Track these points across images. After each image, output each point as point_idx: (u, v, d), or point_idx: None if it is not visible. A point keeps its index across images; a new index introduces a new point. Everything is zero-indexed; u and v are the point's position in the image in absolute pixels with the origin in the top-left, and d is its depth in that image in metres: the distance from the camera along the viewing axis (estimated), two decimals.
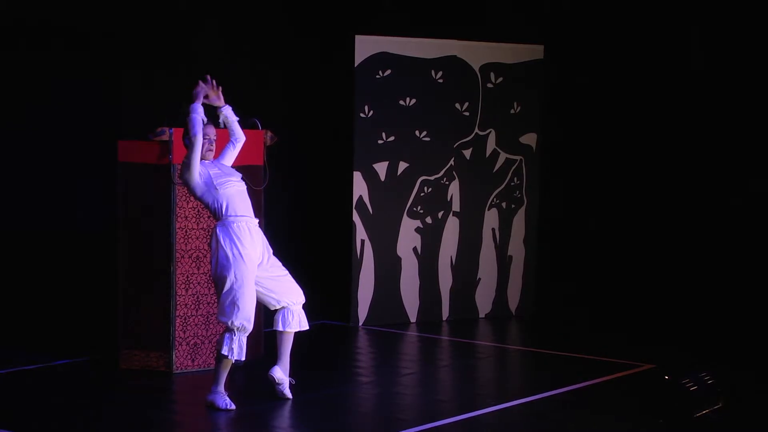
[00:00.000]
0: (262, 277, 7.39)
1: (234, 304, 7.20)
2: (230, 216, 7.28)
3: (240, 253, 7.22)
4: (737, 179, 10.57)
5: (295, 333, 7.57)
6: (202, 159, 7.34)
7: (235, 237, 7.24)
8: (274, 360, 7.56)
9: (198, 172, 7.28)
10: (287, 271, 7.54)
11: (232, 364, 7.28)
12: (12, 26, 9.36)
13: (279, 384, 7.52)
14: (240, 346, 7.25)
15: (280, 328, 7.48)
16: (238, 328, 7.22)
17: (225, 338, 7.25)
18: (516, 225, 11.01)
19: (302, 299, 7.55)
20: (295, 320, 7.50)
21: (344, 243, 10.48)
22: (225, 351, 7.24)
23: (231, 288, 7.21)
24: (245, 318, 7.22)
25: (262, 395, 7.57)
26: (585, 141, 11.35)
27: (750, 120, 10.48)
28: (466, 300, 10.87)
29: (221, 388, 7.33)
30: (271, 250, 7.50)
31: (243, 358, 7.29)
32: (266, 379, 7.54)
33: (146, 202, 8.37)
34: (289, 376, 7.58)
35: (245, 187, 7.44)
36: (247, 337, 7.32)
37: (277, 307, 7.50)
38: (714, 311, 10.47)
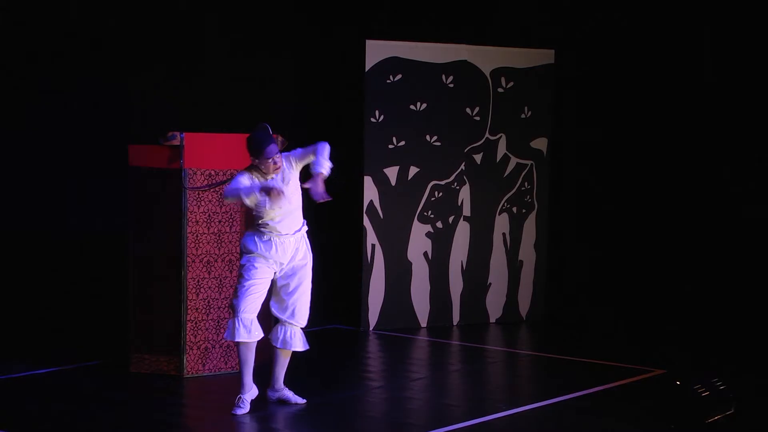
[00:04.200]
0: (280, 284, 7.42)
1: (240, 284, 7.30)
2: (263, 227, 7.30)
3: (261, 253, 7.25)
4: (748, 184, 10.55)
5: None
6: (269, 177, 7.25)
7: (259, 241, 7.28)
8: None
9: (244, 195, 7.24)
10: (307, 291, 7.48)
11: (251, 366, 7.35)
12: (22, 31, 9.39)
13: (282, 398, 7.54)
14: (235, 329, 7.27)
15: (273, 344, 7.52)
16: (233, 309, 7.32)
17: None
18: (527, 230, 10.99)
19: (302, 322, 7.51)
20: (290, 338, 7.46)
21: (355, 247, 10.48)
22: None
23: (240, 272, 7.32)
24: (237, 301, 7.28)
25: (273, 399, 7.58)
26: (596, 145, 11.33)
27: (763, 126, 10.46)
28: (477, 305, 10.85)
29: (243, 389, 7.35)
30: (304, 263, 7.43)
31: (237, 339, 7.28)
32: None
33: (157, 206, 8.38)
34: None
35: (293, 205, 7.31)
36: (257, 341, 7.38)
37: (277, 316, 7.50)
38: (726, 316, 10.45)
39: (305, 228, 7.43)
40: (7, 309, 9.31)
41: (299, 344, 7.49)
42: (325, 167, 7.29)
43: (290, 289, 7.40)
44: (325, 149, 7.36)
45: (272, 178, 7.23)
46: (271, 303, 7.48)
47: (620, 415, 7.47)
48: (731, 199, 10.62)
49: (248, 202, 7.11)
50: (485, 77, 10.68)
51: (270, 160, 7.18)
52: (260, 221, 7.27)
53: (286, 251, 7.31)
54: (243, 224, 8.42)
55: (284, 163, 7.29)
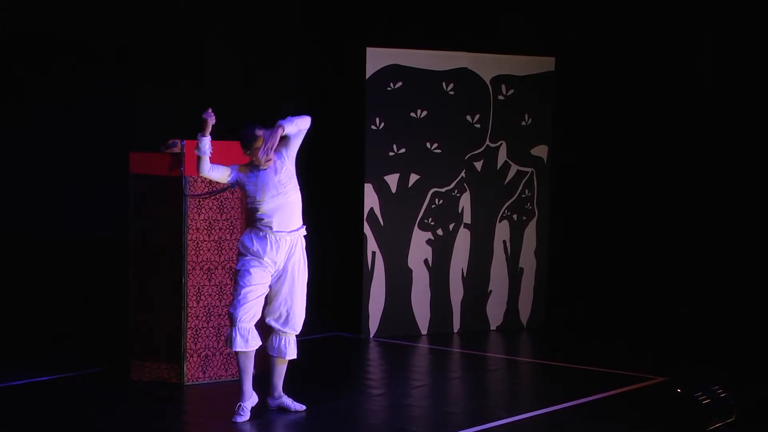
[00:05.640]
0: (273, 289, 7.41)
1: (236, 292, 7.30)
2: (259, 223, 7.31)
3: (256, 251, 7.25)
4: (748, 191, 10.56)
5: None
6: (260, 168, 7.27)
7: (255, 239, 7.28)
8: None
9: (223, 178, 7.36)
10: (301, 296, 7.44)
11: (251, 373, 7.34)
12: (23, 32, 9.41)
13: (282, 405, 7.52)
14: (233, 338, 7.27)
15: (270, 352, 7.51)
16: (230, 318, 7.32)
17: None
18: (527, 237, 10.99)
19: (296, 329, 7.49)
20: (284, 347, 7.44)
21: (355, 255, 10.47)
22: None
23: (236, 279, 7.35)
24: (234, 310, 7.27)
25: (273, 407, 7.57)
26: (596, 152, 11.34)
27: (762, 132, 10.47)
28: (478, 312, 10.85)
29: (243, 396, 7.34)
30: (297, 268, 7.40)
31: (235, 348, 7.28)
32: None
33: (158, 214, 8.38)
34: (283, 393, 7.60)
35: (288, 197, 7.31)
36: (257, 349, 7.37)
37: (271, 325, 7.48)
38: (727, 323, 10.44)
39: (303, 231, 7.41)
40: (6, 311, 9.31)
41: (293, 352, 7.49)
42: (287, 123, 7.23)
43: (282, 294, 7.39)
44: (302, 117, 7.32)
45: (264, 170, 7.25)
46: (265, 312, 7.45)
47: (621, 422, 7.46)
48: (731, 207, 10.62)
49: (203, 158, 7.25)
50: (485, 84, 10.68)
51: (256, 147, 7.20)
52: (256, 215, 7.28)
53: (281, 249, 7.28)
54: (243, 231, 8.41)
55: (276, 156, 7.28)
